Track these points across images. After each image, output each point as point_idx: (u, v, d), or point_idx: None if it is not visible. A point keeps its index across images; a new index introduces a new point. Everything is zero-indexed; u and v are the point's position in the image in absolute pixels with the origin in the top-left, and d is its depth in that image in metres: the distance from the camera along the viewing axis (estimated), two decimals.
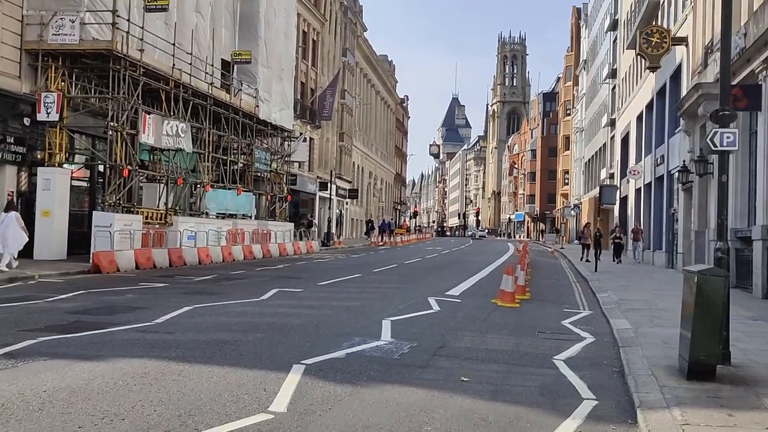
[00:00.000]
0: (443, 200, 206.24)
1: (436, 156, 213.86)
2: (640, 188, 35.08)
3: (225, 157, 30.98)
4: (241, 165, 33.43)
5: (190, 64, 26.74)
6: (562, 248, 50.37)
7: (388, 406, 6.30)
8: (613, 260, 29.03)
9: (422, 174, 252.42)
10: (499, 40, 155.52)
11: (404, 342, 9.53)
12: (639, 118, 35.88)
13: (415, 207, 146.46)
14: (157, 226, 24.84)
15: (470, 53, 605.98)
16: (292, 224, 38.10)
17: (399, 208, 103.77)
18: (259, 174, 35.84)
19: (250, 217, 33.61)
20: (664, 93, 28.94)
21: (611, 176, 47.49)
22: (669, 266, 26.83)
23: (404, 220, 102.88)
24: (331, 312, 12.45)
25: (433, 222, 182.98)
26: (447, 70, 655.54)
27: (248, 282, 18.21)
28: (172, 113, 25.91)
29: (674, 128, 26.71)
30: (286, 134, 38.24)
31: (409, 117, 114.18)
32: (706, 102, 19.19)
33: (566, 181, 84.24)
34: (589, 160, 63.62)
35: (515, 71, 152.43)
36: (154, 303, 12.84)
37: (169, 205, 26.39)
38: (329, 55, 54.91)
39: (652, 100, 31.64)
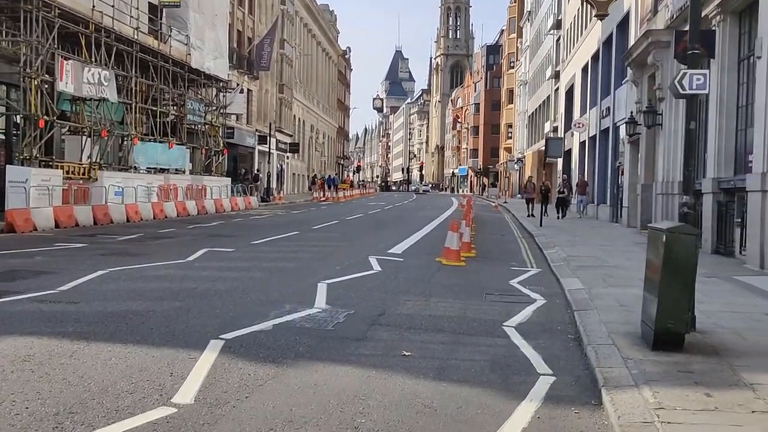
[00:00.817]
0: (387, 155, 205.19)
1: (380, 110, 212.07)
2: (584, 141, 34.70)
3: (155, 108, 29.14)
4: (173, 117, 31.61)
5: (113, 6, 24.76)
6: (505, 202, 50.17)
7: (316, 392, 5.36)
8: (557, 215, 28.43)
9: (366, 128, 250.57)
10: None
11: (340, 309, 8.59)
12: (584, 69, 35.32)
13: (359, 162, 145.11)
14: (81, 181, 23.18)
15: (414, 5, 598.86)
16: (229, 179, 36.56)
17: (342, 162, 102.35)
18: (193, 126, 34.02)
19: (184, 171, 31.99)
20: (611, 43, 28.32)
21: (555, 129, 47.18)
22: (613, 220, 26.56)
23: (347, 175, 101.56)
24: (262, 275, 11.42)
25: (377, 177, 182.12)
26: (390, 23, 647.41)
27: (176, 241, 16.97)
28: (93, 60, 24.01)
29: (621, 79, 26.16)
30: (221, 84, 36.34)
31: (352, 69, 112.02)
32: (656, 50, 18.54)
33: (509, 135, 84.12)
34: (532, 113, 63.30)
35: (458, 24, 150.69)
36: (64, 266, 11.57)
37: (94, 159, 24.63)
38: (267, 3, 52.61)
39: (598, 50, 31.03)
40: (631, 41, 23.30)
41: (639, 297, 9.50)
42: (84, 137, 24.70)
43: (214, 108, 36.18)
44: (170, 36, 30.02)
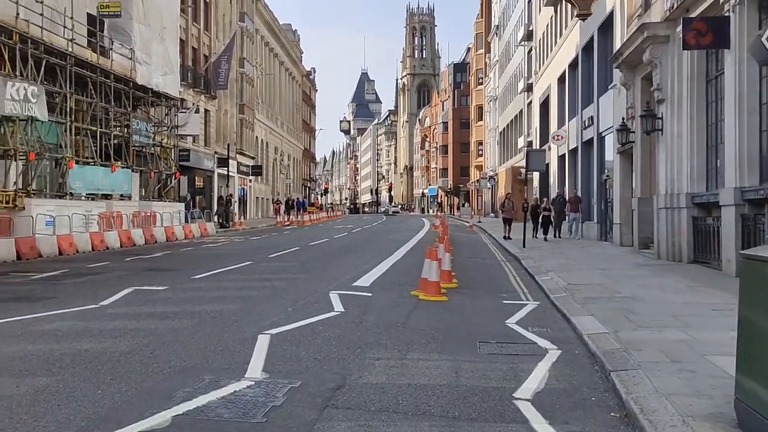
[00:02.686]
0: (355, 177, 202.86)
1: (347, 132, 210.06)
2: (563, 155, 32.55)
3: (94, 128, 26.33)
4: (118, 138, 28.78)
5: (41, 14, 22.10)
6: (479, 222, 47.93)
7: None
8: (543, 237, 25.82)
9: (333, 151, 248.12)
10: (407, 12, 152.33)
11: (281, 380, 6.01)
12: (561, 79, 33.30)
13: (326, 184, 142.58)
14: (4, 210, 20.32)
15: (379, 26, 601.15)
16: (183, 204, 33.71)
17: (309, 185, 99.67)
18: (141, 148, 31.16)
19: (130, 197, 29.11)
20: (592, 47, 26.25)
21: (529, 144, 45.13)
22: (602, 239, 24.30)
23: (316, 198, 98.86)
24: (189, 323, 8.79)
25: (346, 199, 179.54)
26: (356, 45, 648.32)
27: (101, 278, 14.21)
28: (19, 74, 21.27)
29: (605, 85, 24.07)
30: (172, 102, 33.57)
31: (317, 90, 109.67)
32: (654, 46, 16.36)
33: (480, 152, 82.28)
34: (504, 129, 61.43)
35: (424, 43, 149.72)
36: None
37: (20, 185, 21.76)
38: (224, 19, 50.09)
39: (576, 57, 28.97)
40: (617, 42, 21.23)
41: (689, 345, 7.08)
42: (9, 161, 21.82)
43: (164, 128, 33.42)
44: (111, 49, 27.32)
